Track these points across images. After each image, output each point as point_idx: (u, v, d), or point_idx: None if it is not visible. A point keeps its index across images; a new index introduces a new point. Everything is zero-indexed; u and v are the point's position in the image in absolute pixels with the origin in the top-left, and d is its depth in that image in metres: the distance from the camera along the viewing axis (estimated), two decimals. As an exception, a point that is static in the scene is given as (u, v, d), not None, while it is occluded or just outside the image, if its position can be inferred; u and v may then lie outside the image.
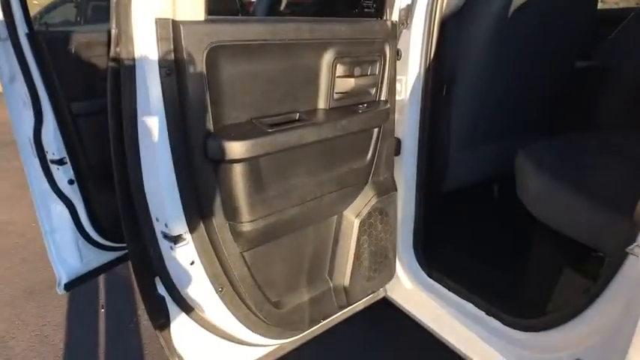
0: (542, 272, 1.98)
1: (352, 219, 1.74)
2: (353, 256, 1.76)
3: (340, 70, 1.55)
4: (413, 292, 2.18)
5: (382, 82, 1.71)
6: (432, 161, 2.07)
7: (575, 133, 2.21)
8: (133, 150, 1.30)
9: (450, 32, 1.95)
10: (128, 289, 2.99)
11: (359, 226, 1.74)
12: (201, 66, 1.23)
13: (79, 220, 2.39)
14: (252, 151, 1.30)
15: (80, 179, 2.30)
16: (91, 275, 2.49)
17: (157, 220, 1.39)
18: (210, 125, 1.28)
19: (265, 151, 1.33)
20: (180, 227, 1.36)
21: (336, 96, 1.58)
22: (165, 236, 1.38)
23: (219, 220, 1.38)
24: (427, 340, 2.10)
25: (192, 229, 1.37)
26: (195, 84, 1.23)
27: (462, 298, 2.04)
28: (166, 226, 1.36)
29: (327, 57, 1.50)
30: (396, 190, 1.89)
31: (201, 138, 1.27)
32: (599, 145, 2.04)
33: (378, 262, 1.89)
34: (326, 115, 1.53)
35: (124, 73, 1.22)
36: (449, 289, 2.08)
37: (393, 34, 1.71)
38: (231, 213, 1.39)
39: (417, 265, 2.18)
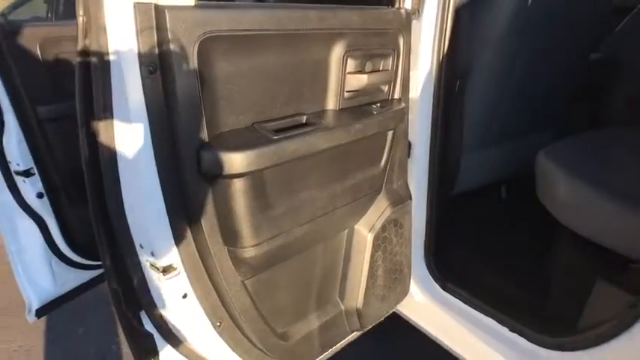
0: (573, 284, 1.81)
1: (365, 234, 1.54)
2: (366, 274, 1.56)
3: (351, 65, 1.34)
4: (425, 306, 2.00)
5: (396, 79, 1.51)
6: (443, 163, 1.89)
7: (595, 130, 2.05)
8: (110, 165, 1.08)
9: (464, 22, 1.75)
10: (109, 307, 2.73)
11: (372, 242, 1.54)
12: (191, 61, 1.01)
13: (51, 237, 2.13)
14: (256, 163, 1.08)
15: (50, 192, 2.04)
16: (67, 298, 2.23)
17: (142, 247, 1.16)
18: (203, 133, 1.06)
19: (272, 163, 1.11)
20: (169, 256, 1.14)
21: (346, 95, 1.37)
22: (152, 266, 1.16)
23: (216, 246, 1.16)
24: (442, 358, 1.94)
25: (184, 257, 1.14)
26: (185, 84, 1.01)
27: (481, 312, 1.86)
28: (153, 254, 1.14)
29: (338, 50, 1.29)
30: (411, 198, 1.69)
31: (194, 149, 1.05)
32: (626, 143, 1.88)
33: (392, 279, 1.70)
34: (337, 118, 1.32)
35: (96, 71, 0.99)
36: (466, 303, 1.91)
37: (408, 24, 1.51)
38: (231, 237, 1.17)
39: (429, 276, 2.00)
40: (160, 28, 0.98)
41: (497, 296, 1.86)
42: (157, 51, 0.99)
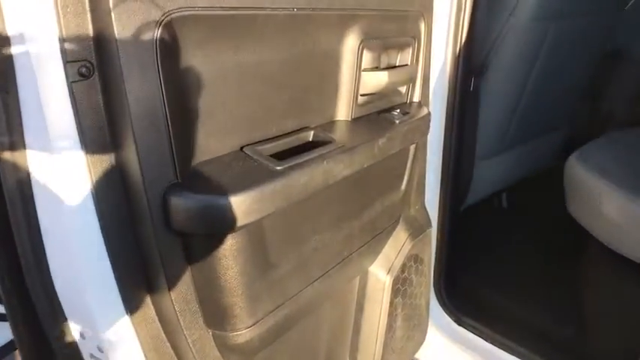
0: (612, 318, 1.56)
1: (382, 277, 1.20)
2: (384, 327, 1.23)
3: (367, 59, 0.99)
4: (436, 343, 1.69)
5: (416, 76, 1.18)
6: (457, 174, 1.59)
7: (622, 131, 1.81)
8: (26, 221, 0.69)
9: (483, 7, 1.45)
10: None
11: (391, 286, 1.21)
12: (150, 56, 0.63)
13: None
14: (256, 210, 0.72)
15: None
16: (-6, 359, 1.76)
17: (83, 337, 0.77)
18: (171, 168, 0.68)
19: (276, 206, 0.75)
20: (126, 351, 0.76)
21: (360, 99, 1.02)
22: (101, 365, 0.77)
23: (195, 331, 0.78)
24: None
25: (147, 350, 0.76)
26: (139, 91, 0.63)
27: (503, 350, 1.58)
28: (100, 349, 0.75)
29: (352, 38, 0.94)
30: (431, 225, 1.37)
31: (157, 194, 0.67)
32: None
33: (411, 326, 1.37)
34: (352, 131, 0.97)
35: None
36: (484, 339, 1.62)
37: (430, 5, 1.18)
38: (218, 318, 0.79)
39: (441, 309, 1.69)
40: (97, 6, 0.60)
41: (520, 330, 1.58)
42: (91, 42, 0.61)
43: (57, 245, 0.71)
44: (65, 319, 0.78)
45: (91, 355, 0.78)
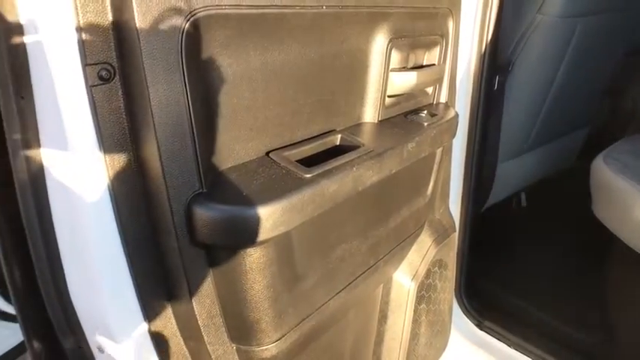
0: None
1: (407, 284, 1.16)
2: (408, 335, 1.19)
3: (396, 58, 0.95)
4: (457, 348, 1.65)
5: (444, 77, 1.13)
6: (479, 176, 1.54)
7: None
8: (42, 232, 0.66)
9: (509, 6, 1.40)
10: None
11: (416, 293, 1.16)
12: (174, 57, 0.59)
13: (-20, 286, 1.63)
14: (286, 220, 0.67)
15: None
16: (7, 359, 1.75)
17: (101, 350, 0.74)
18: (195, 177, 0.64)
19: (307, 216, 0.71)
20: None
21: (387, 101, 0.98)
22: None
23: (219, 346, 0.74)
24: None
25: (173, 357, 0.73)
26: (164, 95, 0.59)
27: (526, 355, 1.54)
28: (118, 364, 0.72)
29: (380, 37, 0.90)
30: (455, 229, 1.33)
31: (181, 204, 0.63)
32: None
33: (434, 332, 1.33)
34: (379, 135, 0.92)
35: (3, 73, 0.57)
36: (506, 344, 1.57)
37: (458, 2, 1.13)
38: (244, 332, 0.76)
39: (462, 313, 1.65)
40: (119, 5, 0.56)
41: (544, 335, 1.53)
42: (112, 43, 0.57)
43: (74, 255, 0.68)
44: (81, 330, 0.75)
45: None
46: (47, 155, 0.62)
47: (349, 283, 0.92)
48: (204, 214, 0.63)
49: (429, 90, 1.12)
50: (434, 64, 1.08)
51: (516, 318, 1.59)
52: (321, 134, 0.85)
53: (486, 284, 1.72)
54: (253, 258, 0.69)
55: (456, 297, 1.66)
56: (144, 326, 0.71)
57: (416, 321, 1.20)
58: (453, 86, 1.19)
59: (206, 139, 0.65)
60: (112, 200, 0.63)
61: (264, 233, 0.66)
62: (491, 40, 1.33)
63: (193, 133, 0.62)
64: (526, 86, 1.56)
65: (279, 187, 0.69)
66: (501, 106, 1.55)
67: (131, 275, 0.67)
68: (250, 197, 0.66)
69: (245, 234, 0.65)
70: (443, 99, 1.15)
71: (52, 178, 0.63)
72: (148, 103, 0.58)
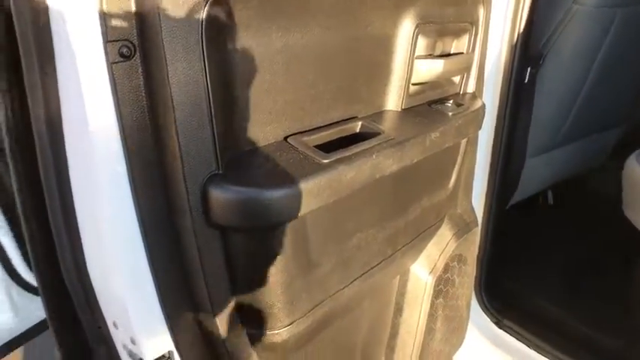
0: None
1: (424, 277, 1.14)
2: (423, 329, 1.17)
3: (422, 45, 0.92)
4: (474, 345, 1.62)
5: (472, 66, 1.09)
6: (505, 171, 1.49)
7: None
8: (62, 208, 0.67)
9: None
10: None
11: (433, 287, 1.14)
12: (194, 38, 0.58)
13: (9, 260, 1.69)
14: (302, 204, 0.67)
15: (5, 206, 1.59)
16: (31, 335, 1.80)
17: (116, 327, 0.75)
18: (212, 157, 0.64)
19: (323, 201, 0.70)
20: (159, 344, 0.73)
21: (412, 89, 0.95)
22: (132, 356, 0.75)
23: (231, 329, 0.74)
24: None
25: (182, 345, 0.73)
26: (184, 75, 0.59)
27: (544, 356, 1.50)
28: (133, 342, 0.73)
29: (407, 22, 0.87)
30: (477, 223, 1.29)
31: (197, 184, 0.63)
32: None
33: (450, 328, 1.31)
34: (402, 123, 0.90)
35: (28, 55, 0.57)
36: (525, 344, 1.54)
37: (490, -14, 1.09)
38: (255, 317, 0.75)
39: (481, 311, 1.62)
40: None
41: (564, 338, 1.49)
42: (134, 20, 0.57)
43: (92, 230, 0.69)
44: (98, 306, 0.76)
45: (124, 346, 0.76)
46: (68, 131, 0.63)
47: (364, 272, 0.91)
48: (219, 195, 0.63)
49: (456, 79, 1.09)
50: (462, 53, 1.05)
51: (537, 318, 1.55)
52: (342, 121, 0.83)
53: (508, 282, 1.69)
54: (267, 241, 0.69)
55: (476, 293, 1.63)
56: (158, 306, 0.71)
57: (432, 315, 1.18)
58: (481, 76, 1.15)
59: (224, 120, 0.65)
60: (129, 177, 0.63)
61: (278, 217, 0.65)
62: (523, 30, 1.28)
63: (211, 113, 0.61)
64: (558, 80, 1.50)
65: (296, 171, 0.68)
66: (531, 100, 1.50)
67: (146, 253, 0.67)
68: (266, 180, 0.65)
69: (259, 217, 0.64)
70: (470, 89, 1.12)
71: (72, 154, 0.64)
72: (167, 82, 0.58)
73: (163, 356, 0.75)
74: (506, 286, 1.67)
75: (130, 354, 0.75)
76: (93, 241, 0.70)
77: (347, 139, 0.81)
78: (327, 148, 0.75)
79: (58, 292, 0.78)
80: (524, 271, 1.73)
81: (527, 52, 1.39)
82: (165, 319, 0.72)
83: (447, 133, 0.93)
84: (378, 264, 0.94)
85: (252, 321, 0.76)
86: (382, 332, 1.17)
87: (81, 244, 0.71)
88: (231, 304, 0.73)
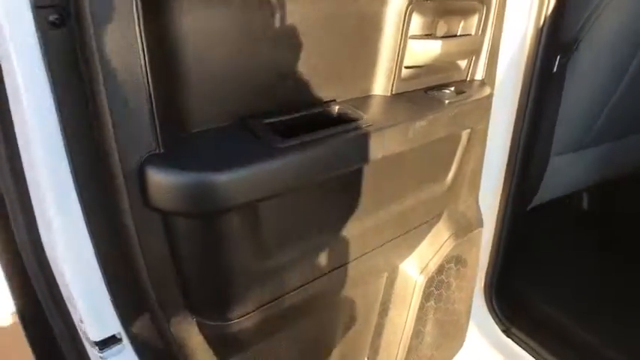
0: None
1: (414, 277, 1.06)
2: (410, 332, 1.10)
3: (417, 24, 0.83)
4: (478, 351, 1.53)
5: (481, 49, 0.99)
6: (525, 169, 1.37)
7: None
8: (17, 193, 0.65)
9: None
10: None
11: (423, 288, 1.07)
12: (129, 2, 0.53)
13: None
14: (245, 192, 0.61)
15: None
16: None
17: (71, 304, 0.73)
18: (150, 135, 0.59)
19: (273, 191, 0.64)
20: (107, 325, 0.71)
21: (404, 73, 0.86)
22: (84, 335, 0.73)
23: (177, 316, 0.71)
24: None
25: (130, 328, 0.71)
26: (114, 43, 0.54)
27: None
28: (81, 321, 0.71)
29: None
30: (482, 224, 1.19)
31: (134, 164, 0.59)
32: None
33: (444, 333, 1.22)
34: (388, 109, 0.82)
35: None
36: (533, 355, 1.44)
37: (508, -40, 0.97)
38: (205, 306, 0.71)
39: (489, 316, 1.52)
40: None
41: (577, 353, 1.37)
42: None
43: (39, 214, 0.66)
44: (56, 284, 0.74)
45: (78, 325, 0.74)
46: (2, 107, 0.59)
47: (337, 267, 0.85)
48: (157, 176, 0.58)
49: (463, 64, 0.99)
50: (469, 35, 0.94)
51: (548, 330, 1.43)
52: (316, 103, 0.76)
53: (521, 289, 1.57)
54: (211, 229, 0.64)
55: (485, 298, 1.53)
56: (104, 289, 0.69)
57: (421, 318, 1.10)
58: (493, 62, 1.04)
59: (167, 95, 0.60)
60: (67, 155, 0.60)
61: (220, 202, 0.60)
62: (553, 11, 1.15)
63: (149, 87, 0.56)
64: (594, 70, 1.35)
65: (247, 155, 0.62)
66: (559, 92, 1.36)
67: (89, 235, 0.64)
68: (209, 163, 0.60)
69: (198, 202, 0.59)
70: (479, 75, 1.01)
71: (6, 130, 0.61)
72: (97, 51, 0.53)
73: (114, 336, 0.73)
74: (519, 294, 1.55)
75: (83, 333, 0.74)
76: (41, 222, 0.68)
77: (320, 124, 0.74)
78: (294, 132, 0.69)
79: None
80: (540, 279, 1.61)
81: (558, 38, 1.26)
82: (112, 300, 0.69)
83: (439, 123, 0.84)
84: (356, 258, 0.87)
85: (201, 310, 0.71)
86: (366, 332, 1.11)
87: (37, 225, 0.69)
88: (177, 293, 0.69)
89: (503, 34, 1.12)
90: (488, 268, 1.50)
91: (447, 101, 0.88)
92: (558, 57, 1.30)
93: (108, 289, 0.68)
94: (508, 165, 1.35)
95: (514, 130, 1.31)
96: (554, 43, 1.24)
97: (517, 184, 1.37)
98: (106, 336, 0.72)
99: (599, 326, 1.45)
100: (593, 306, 1.49)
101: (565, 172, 1.58)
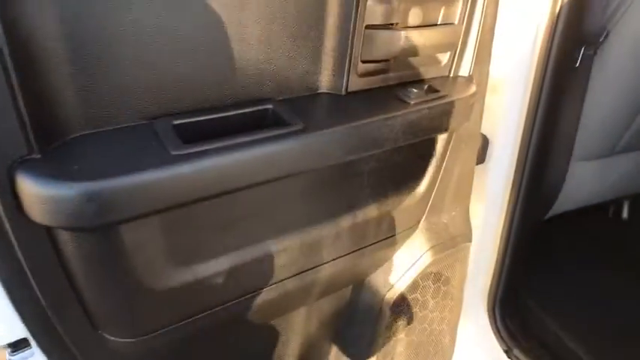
0: None
1: (380, 293, 0.96)
2: (376, 355, 1.00)
3: (376, 10, 0.71)
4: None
5: (466, 40, 0.85)
6: (539, 176, 1.21)
7: None
8: None
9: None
10: None
11: (392, 306, 0.96)
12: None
13: None
14: (137, 203, 0.54)
15: None
16: None
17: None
18: (20, 136, 0.53)
19: (176, 200, 0.57)
20: (13, 328, 0.67)
21: (363, 68, 0.75)
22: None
23: (80, 330, 0.66)
24: None
25: (35, 333, 0.67)
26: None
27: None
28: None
29: None
30: (471, 239, 1.06)
31: (3, 170, 0.53)
32: None
33: (423, 356, 1.11)
34: (335, 111, 0.72)
35: None
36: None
37: None
38: (106, 322, 0.66)
39: (491, 332, 1.39)
40: None
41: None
42: None
43: None
44: None
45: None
46: None
47: (274, 282, 0.76)
48: (28, 185, 0.52)
49: (444, 58, 0.85)
50: (451, 23, 0.81)
51: (553, 355, 1.29)
52: (246, 103, 0.67)
53: (529, 309, 1.42)
54: (98, 244, 0.57)
55: (488, 314, 1.39)
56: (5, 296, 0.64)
57: (390, 338, 1.00)
58: (484, 55, 0.89)
59: (44, 91, 0.53)
60: None
61: (101, 217, 0.53)
62: (572, -4, 0.98)
63: (11, 80, 0.50)
64: (626, 65, 1.16)
65: (139, 162, 0.55)
66: (583, 89, 1.18)
67: None
68: (93, 170, 0.53)
69: (77, 216, 0.53)
70: (465, 71, 0.87)
71: None
72: None
73: (25, 339, 0.70)
74: (526, 312, 1.40)
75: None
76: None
77: (246, 127, 0.65)
78: (209, 136, 0.61)
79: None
80: (550, 299, 1.44)
81: (581, 27, 1.08)
82: (11, 312, 0.65)
83: (397, 126, 0.73)
84: (295, 275, 0.79)
85: (105, 325, 0.66)
86: (327, 348, 1.02)
87: None
88: (77, 306, 0.64)
89: (505, 21, 0.96)
90: (492, 283, 1.36)
91: (412, 101, 0.75)
92: (582, 49, 1.12)
93: (9, 299, 0.64)
94: (516, 173, 1.20)
95: (523, 134, 1.15)
96: (577, 32, 1.06)
97: (527, 193, 1.22)
98: (14, 339, 0.69)
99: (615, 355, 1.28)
100: (606, 336, 1.31)
101: (589, 180, 1.39)
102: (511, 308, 1.38)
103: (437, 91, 0.79)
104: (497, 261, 1.32)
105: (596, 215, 1.78)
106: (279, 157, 0.62)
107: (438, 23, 0.80)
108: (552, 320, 1.36)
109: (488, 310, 1.37)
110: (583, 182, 1.41)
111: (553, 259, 1.59)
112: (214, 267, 0.68)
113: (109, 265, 0.60)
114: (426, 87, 0.80)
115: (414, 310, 1.00)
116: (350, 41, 0.71)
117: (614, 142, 1.32)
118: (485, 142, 1.17)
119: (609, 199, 1.61)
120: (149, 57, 0.58)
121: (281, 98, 0.71)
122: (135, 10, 0.55)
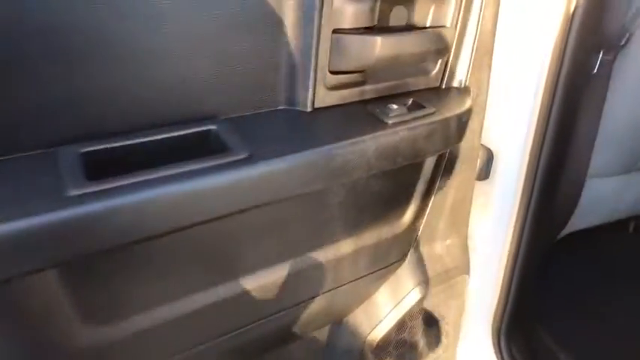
0: None
1: (363, 333, 0.83)
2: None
3: (347, 12, 0.59)
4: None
5: (460, 45, 0.72)
6: (552, 193, 1.08)
7: None
8: None
9: None
10: None
11: (376, 347, 0.84)
12: None
13: None
14: (19, 257, 0.43)
15: None
16: None
17: None
18: None
19: (76, 251, 0.46)
20: None
21: (332, 80, 0.63)
22: None
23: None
24: None
25: None
26: None
27: None
28: None
29: None
30: (468, 271, 0.93)
31: None
32: None
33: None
34: (295, 132, 0.60)
35: None
36: None
37: None
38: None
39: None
40: None
41: None
42: None
43: None
44: None
45: None
46: None
47: (215, 339, 0.65)
48: None
49: (434, 66, 0.72)
50: (443, 26, 0.68)
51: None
52: (184, 123, 0.56)
53: (543, 338, 1.28)
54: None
55: (493, 344, 1.26)
56: None
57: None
58: (482, 63, 0.76)
59: None
60: None
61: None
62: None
63: None
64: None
65: (24, 203, 0.44)
66: (602, 99, 1.04)
67: None
68: None
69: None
70: (457, 82, 0.75)
71: None
72: None
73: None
74: (536, 342, 1.27)
75: None
76: None
77: (176, 154, 0.54)
78: (128, 166, 0.50)
79: None
80: (561, 326, 1.30)
81: (600, 31, 0.94)
82: None
83: (370, 152, 0.60)
84: (256, 321, 0.67)
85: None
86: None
87: None
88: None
89: (510, 23, 0.83)
90: (497, 310, 1.23)
91: (390, 120, 0.63)
92: (600, 54, 0.98)
93: None
94: (524, 189, 1.07)
95: (532, 147, 1.02)
96: (594, 36, 0.92)
97: (537, 213, 1.09)
98: None
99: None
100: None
101: (610, 198, 1.25)
102: (519, 339, 1.25)
103: (422, 107, 0.67)
104: (502, 288, 1.19)
105: (614, 231, 1.63)
106: (216, 194, 0.51)
107: (427, 26, 0.68)
108: (566, 356, 1.22)
109: (494, 344, 1.24)
110: (599, 201, 1.27)
111: (565, 281, 1.45)
112: (144, 322, 0.57)
113: (7, 321, 0.49)
114: (409, 102, 0.68)
115: (402, 351, 0.88)
116: (314, 49, 0.59)
117: (636, 158, 1.18)
118: (489, 156, 1.04)
119: (617, 220, 1.46)
120: (54, 68, 0.47)
121: (230, 116, 0.59)
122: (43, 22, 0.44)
